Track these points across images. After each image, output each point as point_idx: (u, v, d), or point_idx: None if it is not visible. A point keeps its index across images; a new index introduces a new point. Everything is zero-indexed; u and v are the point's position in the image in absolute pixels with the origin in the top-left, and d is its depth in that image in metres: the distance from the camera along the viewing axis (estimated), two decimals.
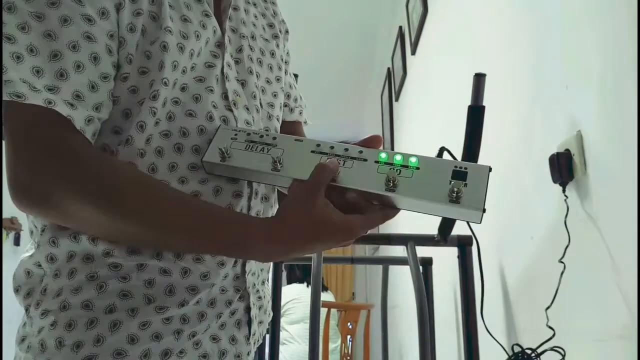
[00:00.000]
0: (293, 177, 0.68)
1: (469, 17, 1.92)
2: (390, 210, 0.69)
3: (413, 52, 2.86)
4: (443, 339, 1.99)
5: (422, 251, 1.76)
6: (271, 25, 0.90)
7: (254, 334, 0.78)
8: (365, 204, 0.68)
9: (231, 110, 0.75)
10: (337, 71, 4.26)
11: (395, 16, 3.38)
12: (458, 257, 1.60)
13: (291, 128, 0.94)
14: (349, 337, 3.30)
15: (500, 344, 1.34)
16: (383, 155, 0.69)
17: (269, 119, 0.83)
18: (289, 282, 3.73)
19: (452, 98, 2.05)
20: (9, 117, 0.62)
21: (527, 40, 1.39)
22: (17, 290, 0.68)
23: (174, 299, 0.67)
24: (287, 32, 0.94)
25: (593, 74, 1.06)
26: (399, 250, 1.78)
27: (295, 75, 1.07)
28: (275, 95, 0.85)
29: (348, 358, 3.32)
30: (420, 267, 1.65)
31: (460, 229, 1.56)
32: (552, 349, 1.12)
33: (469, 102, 1.31)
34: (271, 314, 0.85)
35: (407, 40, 3.02)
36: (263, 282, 0.82)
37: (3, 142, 0.64)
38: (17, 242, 3.70)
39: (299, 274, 3.69)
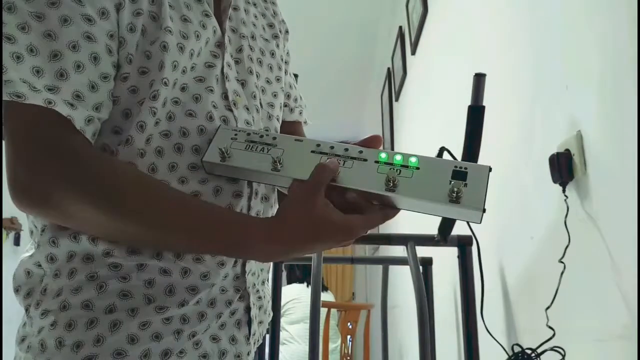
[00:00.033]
0: (293, 177, 0.68)
1: (469, 17, 1.92)
2: (390, 210, 0.69)
3: (413, 52, 2.86)
4: (443, 339, 1.99)
5: (422, 251, 1.76)
6: (271, 25, 0.90)
7: (254, 334, 0.78)
8: (365, 204, 0.68)
9: (231, 110, 0.75)
10: (337, 71, 4.27)
11: (395, 16, 3.38)
12: (458, 257, 1.60)
13: (291, 128, 0.94)
14: (349, 337, 3.30)
15: (500, 344, 1.34)
16: (383, 155, 0.69)
17: (269, 119, 0.83)
18: (289, 282, 3.73)
19: (452, 98, 2.05)
20: (9, 117, 0.62)
21: (527, 40, 1.39)
22: (17, 290, 0.68)
23: (174, 299, 0.67)
24: (287, 32, 0.94)
25: (593, 74, 1.06)
26: (399, 250, 1.78)
27: (295, 75, 1.07)
28: (275, 95, 0.85)
29: (348, 358, 3.32)
30: (420, 267, 1.65)
31: (460, 229, 1.56)
32: (552, 349, 1.12)
33: (469, 102, 1.31)
34: (271, 314, 0.85)
35: (407, 40, 3.02)
36: (263, 282, 0.82)
37: (3, 142, 0.64)
38: (17, 242, 3.70)
39: (299, 274, 3.69)
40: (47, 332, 0.64)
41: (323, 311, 2.45)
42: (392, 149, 3.54)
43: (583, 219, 1.08)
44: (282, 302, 2.60)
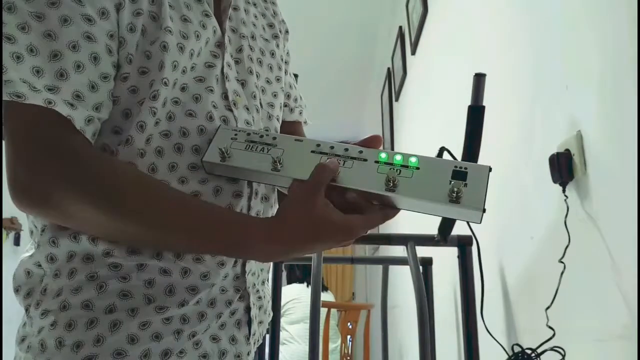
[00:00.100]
0: (293, 177, 0.68)
1: (469, 17, 1.92)
2: (390, 210, 0.69)
3: (413, 52, 2.86)
4: (443, 339, 1.99)
5: (422, 251, 1.76)
6: (271, 25, 0.90)
7: (254, 334, 0.78)
8: (365, 204, 0.68)
9: (231, 110, 0.75)
10: (337, 71, 4.26)
11: (395, 16, 3.38)
12: (458, 257, 1.60)
13: (291, 128, 0.94)
14: (349, 337, 3.30)
15: (500, 344, 1.34)
16: (383, 155, 0.69)
17: (269, 118, 0.83)
18: (289, 282, 3.73)
19: (452, 98, 2.05)
20: (9, 117, 0.62)
21: (527, 40, 1.39)
22: (17, 290, 0.68)
23: (174, 299, 0.67)
24: (287, 32, 0.94)
25: (593, 74, 1.06)
26: (399, 250, 1.78)
27: (295, 75, 1.07)
28: (275, 95, 0.85)
29: (348, 358, 3.32)
30: (420, 267, 1.65)
31: (460, 229, 1.56)
32: (552, 349, 1.12)
33: (469, 102, 1.31)
34: (271, 314, 0.85)
35: (407, 40, 3.02)
36: (263, 282, 0.82)
37: (3, 142, 0.64)
38: (17, 242, 3.70)
39: (299, 274, 3.69)
40: (47, 332, 0.64)
41: (323, 311, 2.45)
42: (392, 149, 3.54)
43: (583, 219, 1.08)
44: (282, 302, 2.60)
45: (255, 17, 0.87)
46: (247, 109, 0.78)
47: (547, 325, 1.14)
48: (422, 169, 0.67)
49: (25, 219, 0.74)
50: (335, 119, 4.79)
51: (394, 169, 0.67)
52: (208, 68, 0.74)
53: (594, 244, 1.04)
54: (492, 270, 1.59)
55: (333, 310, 3.14)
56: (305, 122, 0.99)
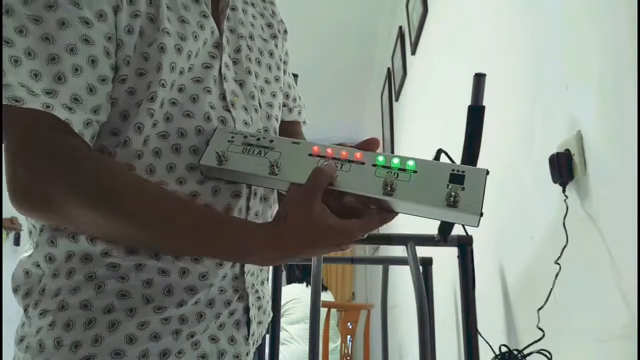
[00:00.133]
0: (290, 180, 0.68)
1: (469, 17, 1.92)
2: (387, 213, 0.68)
3: (413, 52, 2.86)
4: (443, 339, 1.99)
5: (422, 251, 1.76)
6: (270, 25, 0.90)
7: (252, 335, 0.78)
8: (363, 207, 0.68)
9: (229, 111, 0.75)
10: (336, 71, 4.26)
11: (395, 16, 3.38)
12: (458, 257, 1.60)
13: (290, 128, 0.94)
14: (349, 337, 3.29)
15: (489, 343, 1.35)
16: (380, 158, 0.69)
17: (268, 119, 0.83)
18: (289, 282, 3.72)
19: (452, 98, 2.05)
20: (7, 121, 0.62)
21: (527, 40, 1.39)
22: (15, 290, 0.68)
23: (173, 299, 0.67)
24: (285, 32, 0.94)
25: (593, 74, 1.06)
26: (399, 250, 1.78)
27: (295, 75, 1.07)
28: (274, 95, 0.85)
29: (348, 358, 3.32)
30: (420, 267, 1.65)
31: (460, 229, 1.56)
32: (538, 351, 1.12)
33: (469, 102, 1.31)
34: (271, 315, 0.85)
35: (407, 40, 3.02)
36: (262, 283, 0.82)
37: (3, 145, 0.64)
38: (17, 242, 3.70)
39: (299, 274, 3.69)
40: (46, 332, 0.64)
41: (323, 311, 2.45)
42: (392, 149, 3.54)
43: (583, 219, 1.08)
44: (282, 302, 2.59)
45: (254, 17, 0.87)
46: (246, 109, 0.78)
47: (537, 326, 1.14)
48: (419, 173, 0.67)
49: (24, 219, 0.74)
50: (334, 119, 4.79)
51: (391, 173, 0.67)
52: (206, 69, 0.74)
53: (594, 244, 1.03)
54: (492, 270, 1.59)
55: (333, 310, 3.13)
56: (304, 122, 0.99)
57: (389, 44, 3.55)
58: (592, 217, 1.06)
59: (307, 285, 3.53)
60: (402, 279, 2.71)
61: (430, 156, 1.03)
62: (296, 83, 1.03)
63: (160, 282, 0.67)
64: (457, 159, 1.21)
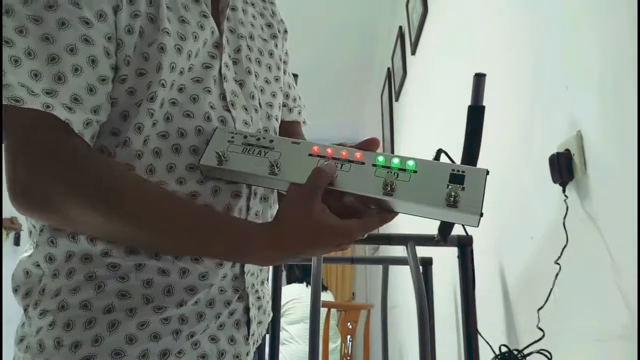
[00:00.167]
0: (290, 181, 0.68)
1: (469, 17, 1.92)
2: (387, 213, 0.68)
3: (413, 52, 2.86)
4: (443, 339, 1.99)
5: (422, 251, 1.75)
6: (270, 25, 0.90)
7: (252, 335, 0.78)
8: (363, 207, 0.68)
9: (229, 111, 0.75)
10: (336, 71, 4.26)
11: (395, 16, 3.38)
12: (458, 257, 1.60)
13: (290, 128, 0.94)
14: (349, 337, 3.29)
15: (489, 343, 1.35)
16: (380, 158, 0.69)
17: (268, 119, 0.83)
18: (289, 282, 3.72)
19: (452, 98, 2.05)
20: (7, 121, 0.62)
21: (527, 40, 1.39)
22: (15, 290, 0.68)
23: (173, 299, 0.67)
24: (285, 31, 0.94)
25: (593, 74, 1.06)
26: (399, 250, 1.78)
27: (295, 75, 1.07)
28: (274, 95, 0.85)
29: (348, 358, 3.32)
30: (420, 267, 1.65)
31: (460, 228, 1.56)
32: (538, 351, 1.12)
33: (469, 102, 1.31)
34: (271, 315, 0.85)
35: (407, 40, 3.02)
36: (262, 282, 0.82)
37: (3, 145, 0.64)
38: (17, 242, 3.69)
39: (299, 274, 3.69)
40: (46, 332, 0.64)
41: (323, 311, 2.45)
42: (392, 149, 3.54)
43: (583, 219, 1.08)
44: (282, 302, 2.59)
45: (254, 17, 0.87)
46: (246, 109, 0.78)
47: (537, 326, 1.14)
48: (419, 173, 0.67)
49: (24, 219, 0.74)
50: (334, 119, 4.79)
51: (391, 173, 0.67)
52: (206, 69, 0.74)
53: (594, 244, 1.03)
54: (492, 270, 1.59)
55: (333, 310, 3.13)
56: (304, 122, 0.99)
57: (389, 44, 3.55)
58: (592, 217, 1.06)
59: (307, 285, 3.53)
60: (402, 279, 2.71)
61: (430, 156, 1.04)
62: (296, 83, 1.03)
63: (160, 282, 0.67)
64: (457, 159, 1.21)
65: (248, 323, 0.77)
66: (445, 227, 1.56)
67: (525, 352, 1.19)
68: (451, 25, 2.15)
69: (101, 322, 0.63)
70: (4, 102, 0.60)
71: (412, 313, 1.49)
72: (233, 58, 0.79)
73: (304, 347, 3.22)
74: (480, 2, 1.80)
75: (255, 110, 0.80)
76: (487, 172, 0.66)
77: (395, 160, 0.68)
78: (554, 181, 1.15)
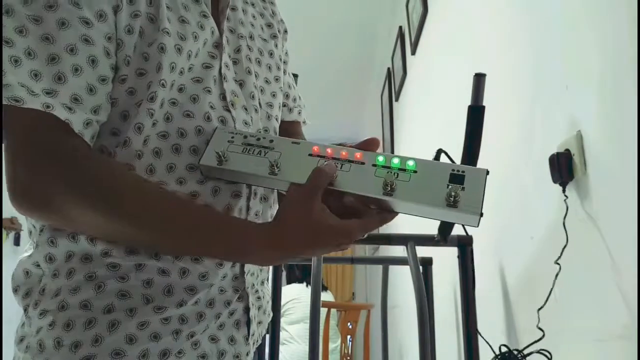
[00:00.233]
0: (290, 181, 0.68)
1: (469, 17, 1.92)
2: (387, 213, 0.68)
3: (413, 52, 2.86)
4: (443, 339, 1.99)
5: (422, 251, 1.76)
6: (270, 25, 0.90)
7: (252, 335, 0.78)
8: (363, 207, 0.68)
9: (229, 111, 0.75)
10: (336, 71, 4.26)
11: (395, 16, 3.38)
12: (458, 257, 1.60)
13: (290, 128, 0.94)
14: (349, 337, 3.29)
15: (488, 343, 1.35)
16: (380, 158, 0.69)
17: (268, 119, 0.83)
18: (289, 282, 3.72)
19: (452, 98, 2.05)
20: (7, 121, 0.62)
21: (527, 40, 1.39)
22: (15, 290, 0.68)
23: (173, 299, 0.67)
24: (285, 31, 0.94)
25: (593, 74, 1.06)
26: (399, 250, 1.78)
27: (295, 75, 1.07)
28: (274, 95, 0.85)
29: (348, 358, 3.31)
30: (420, 267, 1.65)
31: (460, 228, 1.56)
32: (538, 351, 1.12)
33: (469, 102, 1.31)
34: (271, 315, 0.85)
35: (407, 40, 3.02)
36: (262, 282, 0.82)
37: (3, 145, 0.64)
38: (17, 242, 3.70)
39: (299, 274, 3.69)
40: (46, 332, 0.64)
41: (323, 311, 2.45)
42: (392, 149, 3.54)
43: (583, 219, 1.08)
44: (282, 302, 2.59)
45: (254, 17, 0.87)
46: (246, 109, 0.78)
47: (537, 326, 1.14)
48: (419, 173, 0.67)
49: (24, 219, 0.74)
50: (334, 119, 4.79)
51: (391, 173, 0.67)
52: (206, 69, 0.74)
53: (594, 244, 1.03)
54: (492, 270, 1.59)
55: (333, 310, 3.13)
56: (304, 122, 0.99)
57: (389, 44, 3.55)
58: (592, 217, 1.06)
59: (307, 285, 3.53)
60: (402, 279, 2.72)
61: (430, 156, 1.04)
62: (296, 83, 1.03)
63: (160, 282, 0.67)
64: (457, 159, 1.21)
65: (248, 323, 0.77)
66: (445, 227, 1.56)
67: (525, 352, 1.19)
68: (451, 25, 2.15)
69: (101, 322, 0.63)
70: (4, 102, 0.60)
71: (412, 313, 1.49)
72: (233, 58, 0.79)
73: (304, 347, 3.22)
74: (480, 2, 1.80)
75: (255, 110, 0.80)
76: (487, 172, 0.66)
77: (395, 160, 0.68)
78: (554, 181, 1.15)
